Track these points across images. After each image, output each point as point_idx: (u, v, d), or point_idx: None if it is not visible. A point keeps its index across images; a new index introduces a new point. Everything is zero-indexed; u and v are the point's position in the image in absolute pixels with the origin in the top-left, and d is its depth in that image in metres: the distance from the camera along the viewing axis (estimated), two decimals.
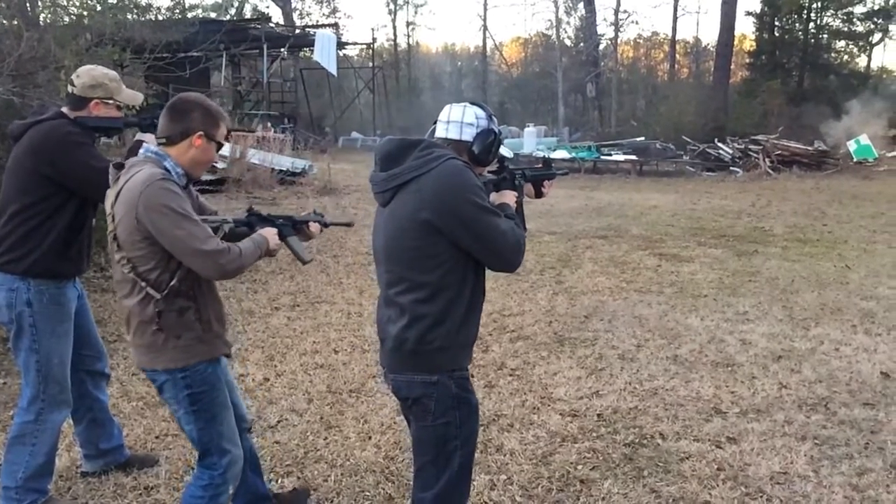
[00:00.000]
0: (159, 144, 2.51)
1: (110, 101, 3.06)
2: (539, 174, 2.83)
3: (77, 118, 3.01)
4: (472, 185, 2.26)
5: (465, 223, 2.23)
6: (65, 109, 3.05)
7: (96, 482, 3.42)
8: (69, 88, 3.05)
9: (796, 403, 4.34)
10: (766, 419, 4.12)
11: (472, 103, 2.45)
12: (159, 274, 2.41)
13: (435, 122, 2.46)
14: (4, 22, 7.65)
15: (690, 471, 3.54)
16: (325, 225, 2.94)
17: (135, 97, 3.20)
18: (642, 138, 23.30)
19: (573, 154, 21.13)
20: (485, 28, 41.08)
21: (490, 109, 2.46)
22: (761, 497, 3.30)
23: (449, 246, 2.26)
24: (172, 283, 2.42)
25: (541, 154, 19.69)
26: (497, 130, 2.44)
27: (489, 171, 2.58)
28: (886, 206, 13.00)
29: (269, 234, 2.66)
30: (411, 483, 3.05)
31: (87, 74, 3.06)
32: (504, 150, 2.64)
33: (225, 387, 2.65)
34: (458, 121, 2.40)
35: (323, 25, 31.41)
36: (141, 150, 2.52)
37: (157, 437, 3.89)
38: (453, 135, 2.40)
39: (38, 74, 6.97)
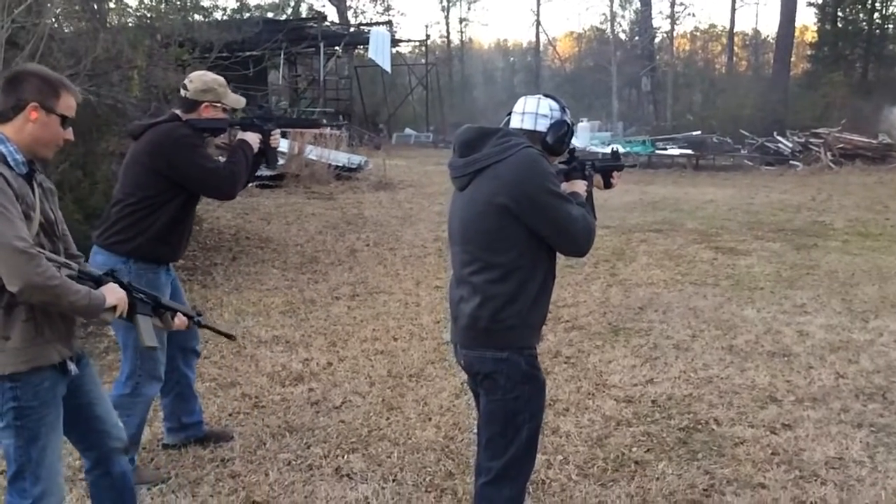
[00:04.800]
0: None
1: (218, 105, 3.32)
2: (608, 165, 2.93)
3: (188, 120, 3.28)
4: (547, 172, 2.39)
5: (539, 208, 2.36)
6: (177, 111, 3.31)
7: (177, 454, 3.65)
8: (181, 92, 3.31)
9: (853, 392, 4.35)
10: (821, 407, 4.15)
11: (546, 96, 2.56)
12: None
13: (509, 114, 2.57)
14: (81, 24, 8.04)
15: (745, 454, 3.60)
16: (198, 324, 2.73)
17: (238, 101, 3.46)
18: (699, 132, 23.00)
19: (627, 148, 20.94)
20: (538, 23, 41.09)
21: (563, 102, 2.56)
22: (815, 480, 3.36)
23: (523, 230, 2.38)
24: None
25: (595, 148, 19.61)
26: (570, 122, 2.54)
27: (560, 162, 2.69)
28: None
29: (111, 291, 2.30)
30: (470, 461, 3.22)
31: (199, 80, 3.31)
32: (575, 140, 2.75)
33: (59, 408, 2.34)
34: (532, 112, 2.51)
35: (377, 23, 31.73)
36: None
37: (230, 415, 4.12)
38: (528, 125, 2.50)
39: (112, 74, 7.34)
